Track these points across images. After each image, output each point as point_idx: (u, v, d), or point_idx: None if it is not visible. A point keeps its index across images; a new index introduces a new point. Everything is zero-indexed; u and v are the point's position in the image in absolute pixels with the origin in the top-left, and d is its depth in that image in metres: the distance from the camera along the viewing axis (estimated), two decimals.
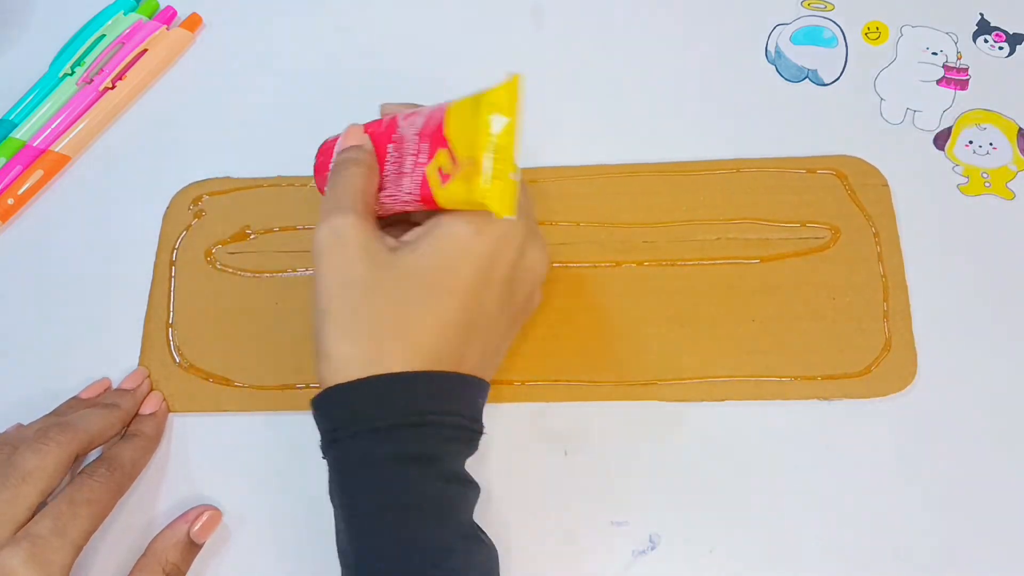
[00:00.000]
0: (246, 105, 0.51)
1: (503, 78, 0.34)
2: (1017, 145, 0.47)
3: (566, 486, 0.40)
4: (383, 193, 0.37)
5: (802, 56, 0.50)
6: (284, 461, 0.41)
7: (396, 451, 0.32)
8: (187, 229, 0.47)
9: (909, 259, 0.44)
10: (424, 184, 0.35)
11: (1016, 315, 0.42)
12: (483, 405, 0.36)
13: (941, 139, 0.47)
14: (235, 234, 0.47)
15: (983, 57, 0.49)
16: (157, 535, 0.39)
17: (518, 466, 0.40)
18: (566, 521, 0.39)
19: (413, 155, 0.35)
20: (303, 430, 0.42)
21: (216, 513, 0.39)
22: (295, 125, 0.50)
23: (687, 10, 0.52)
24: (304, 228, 0.47)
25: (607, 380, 0.42)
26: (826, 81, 0.50)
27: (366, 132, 0.38)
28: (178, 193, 0.48)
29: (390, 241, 0.35)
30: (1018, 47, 0.50)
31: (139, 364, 0.44)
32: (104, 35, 0.53)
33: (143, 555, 0.38)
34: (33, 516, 0.35)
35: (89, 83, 0.51)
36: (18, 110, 0.50)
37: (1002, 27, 0.50)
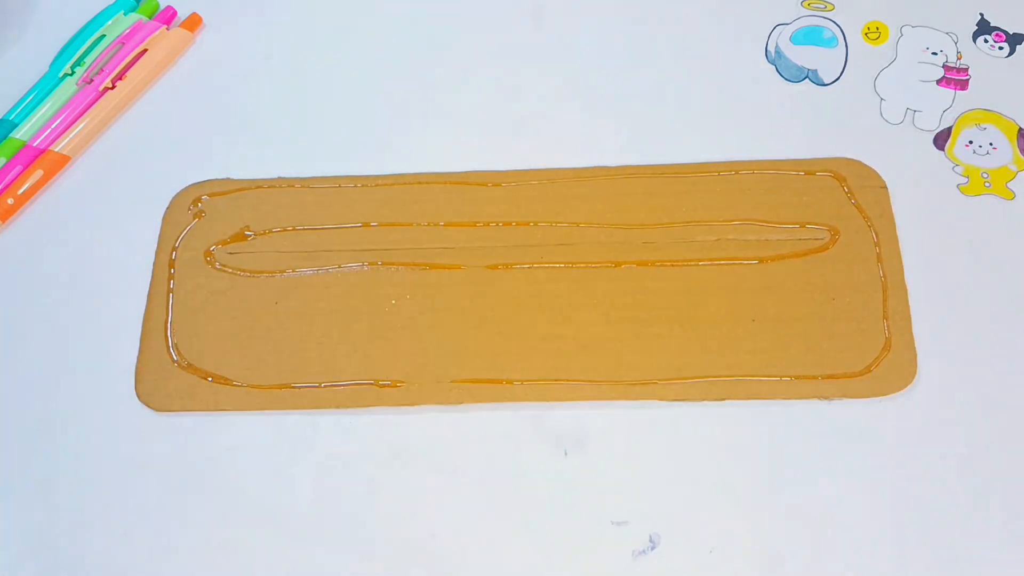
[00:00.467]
0: (246, 105, 0.51)
1: None
2: (1017, 145, 0.47)
3: (566, 486, 0.40)
4: None
5: (802, 56, 0.50)
6: (283, 461, 0.41)
7: None
8: (186, 229, 0.47)
9: (909, 259, 0.44)
10: None
11: (1016, 315, 0.42)
12: None
13: (941, 139, 0.47)
14: (235, 234, 0.47)
15: (983, 57, 0.49)
16: None
17: (518, 466, 0.40)
18: (566, 521, 0.39)
19: None
20: (302, 430, 0.42)
21: None
22: (295, 125, 0.50)
23: (687, 10, 0.52)
24: (304, 228, 0.47)
25: (607, 380, 0.42)
26: (826, 81, 0.50)
27: None
28: (178, 193, 0.48)
29: None
30: (1018, 47, 0.50)
31: (138, 363, 0.44)
32: (104, 35, 0.53)
33: None
34: None
35: (89, 83, 0.51)
36: (18, 110, 0.50)
37: (1002, 27, 0.50)
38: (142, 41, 0.52)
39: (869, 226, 0.45)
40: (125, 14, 0.54)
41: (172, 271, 0.46)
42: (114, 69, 0.51)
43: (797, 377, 0.41)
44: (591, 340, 0.43)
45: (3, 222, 0.48)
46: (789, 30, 0.51)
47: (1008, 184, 0.46)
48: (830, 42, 0.51)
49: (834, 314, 0.43)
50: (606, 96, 0.50)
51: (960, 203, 0.45)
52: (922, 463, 0.40)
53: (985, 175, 0.46)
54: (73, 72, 0.51)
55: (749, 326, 0.43)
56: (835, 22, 0.52)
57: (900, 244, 0.44)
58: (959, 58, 0.49)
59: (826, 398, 0.41)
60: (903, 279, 0.43)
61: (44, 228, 0.48)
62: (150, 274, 0.46)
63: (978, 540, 0.38)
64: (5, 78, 0.52)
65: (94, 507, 0.41)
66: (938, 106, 0.48)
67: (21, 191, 0.48)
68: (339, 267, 0.45)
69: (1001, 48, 0.50)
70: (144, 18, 0.53)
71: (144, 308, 0.45)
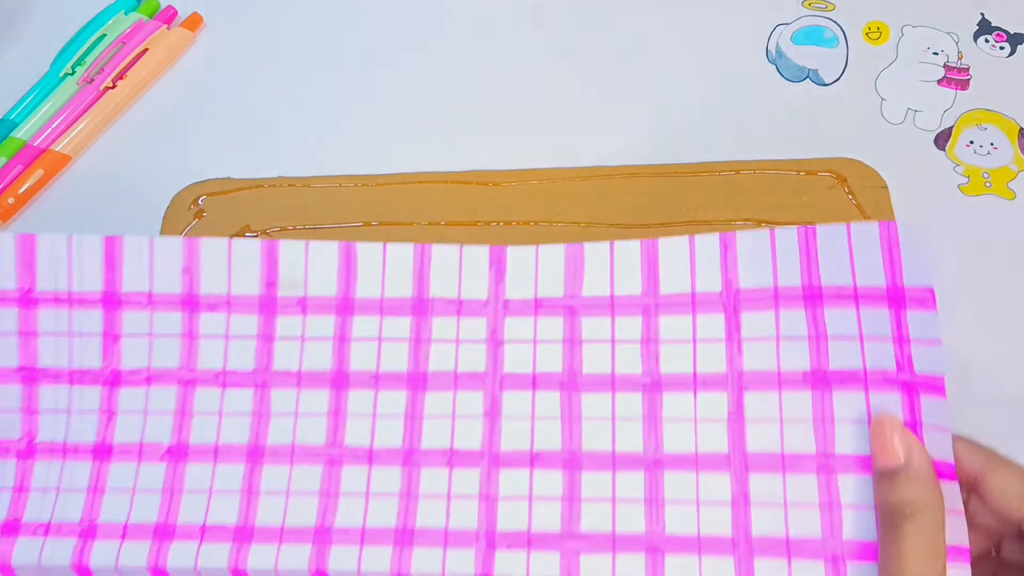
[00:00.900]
0: (246, 105, 0.51)
1: None
2: (1018, 145, 0.47)
3: None
4: None
5: (803, 56, 0.50)
6: None
7: None
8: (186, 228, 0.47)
9: None
10: None
11: (1017, 315, 0.42)
12: None
13: (942, 139, 0.47)
14: (234, 234, 0.47)
15: (984, 57, 0.49)
16: None
17: None
18: None
19: None
20: None
21: None
22: (295, 125, 0.50)
23: (687, 10, 0.52)
24: (304, 228, 0.47)
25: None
26: (827, 81, 0.50)
27: None
28: (178, 193, 0.48)
29: None
30: (1019, 47, 0.50)
31: None
32: (105, 35, 0.53)
33: None
34: None
35: (90, 83, 0.51)
36: (19, 110, 0.51)
37: (1003, 27, 0.50)
38: (143, 41, 0.52)
39: None
40: (126, 14, 0.54)
41: None
42: (115, 69, 0.51)
43: None
44: None
45: (4, 222, 0.48)
46: (790, 30, 0.51)
47: (1009, 184, 0.46)
48: (831, 42, 0.51)
49: None
50: (606, 96, 0.50)
51: (961, 203, 0.45)
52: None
53: (986, 175, 0.46)
54: (74, 72, 0.52)
55: None
56: (836, 22, 0.51)
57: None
58: (960, 58, 0.49)
59: None
60: None
61: (45, 228, 0.48)
62: None
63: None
64: (5, 78, 0.52)
65: None
66: (939, 106, 0.48)
67: (22, 191, 0.48)
68: None
69: (1002, 48, 0.50)
70: (145, 18, 0.54)
71: None
